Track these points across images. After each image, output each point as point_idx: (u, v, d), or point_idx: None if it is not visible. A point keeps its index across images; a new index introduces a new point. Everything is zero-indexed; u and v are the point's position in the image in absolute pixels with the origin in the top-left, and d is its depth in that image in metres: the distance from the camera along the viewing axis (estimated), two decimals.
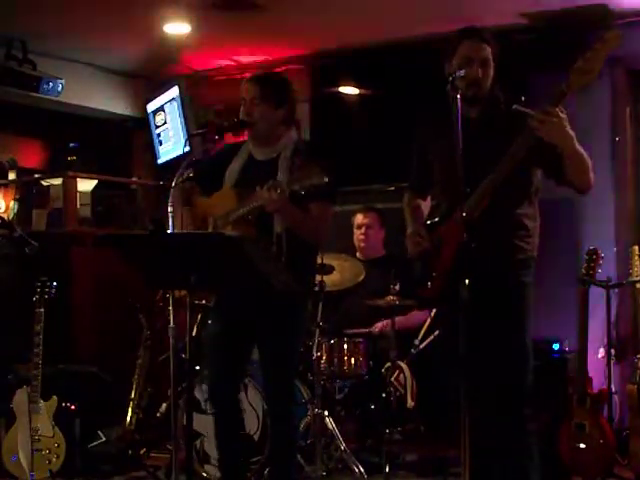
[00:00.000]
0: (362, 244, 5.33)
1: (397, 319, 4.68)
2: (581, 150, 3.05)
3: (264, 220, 3.39)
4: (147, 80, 7.31)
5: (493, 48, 3.21)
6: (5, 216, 6.16)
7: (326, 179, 3.13)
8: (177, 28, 5.97)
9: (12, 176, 7.49)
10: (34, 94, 6.12)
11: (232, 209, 3.48)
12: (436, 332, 4.87)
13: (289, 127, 3.66)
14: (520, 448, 3.19)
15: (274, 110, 3.57)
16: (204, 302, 4.92)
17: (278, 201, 3.26)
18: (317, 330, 4.37)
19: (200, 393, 4.37)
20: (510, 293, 3.21)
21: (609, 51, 2.80)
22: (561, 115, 2.91)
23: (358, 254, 5.33)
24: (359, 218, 5.34)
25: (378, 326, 5.01)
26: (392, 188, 6.15)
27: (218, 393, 3.64)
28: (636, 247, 4.84)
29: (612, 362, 5.02)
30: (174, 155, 6.74)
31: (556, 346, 5.08)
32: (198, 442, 4.46)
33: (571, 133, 2.98)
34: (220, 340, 3.66)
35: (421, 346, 4.89)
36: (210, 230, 3.60)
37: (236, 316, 3.58)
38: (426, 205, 3.59)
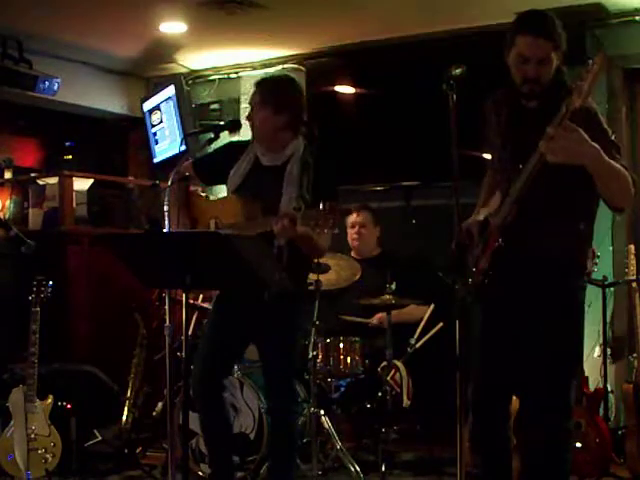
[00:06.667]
0: (355, 243, 5.32)
1: (394, 312, 4.69)
2: (612, 167, 2.76)
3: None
4: (143, 79, 7.31)
5: (556, 41, 2.91)
6: (1, 215, 6.15)
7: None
8: (173, 27, 5.97)
9: (8, 175, 7.48)
10: (30, 93, 6.11)
11: (239, 222, 3.40)
12: (432, 331, 4.88)
13: (295, 134, 3.50)
14: (558, 446, 3.02)
15: (273, 115, 3.44)
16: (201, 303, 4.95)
17: (290, 232, 3.18)
18: (313, 329, 4.37)
19: None
20: (549, 296, 3.01)
21: (600, 73, 2.63)
22: (565, 134, 2.67)
23: (353, 253, 5.32)
24: (352, 217, 5.32)
25: (377, 317, 5.01)
26: (387, 187, 6.17)
27: (203, 387, 3.61)
28: (632, 246, 4.85)
29: (608, 361, 5.03)
30: (170, 154, 6.74)
31: None
32: (194, 441, 4.45)
33: (588, 150, 2.70)
34: (213, 336, 3.67)
35: (417, 345, 4.89)
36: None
37: (233, 314, 3.58)
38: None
